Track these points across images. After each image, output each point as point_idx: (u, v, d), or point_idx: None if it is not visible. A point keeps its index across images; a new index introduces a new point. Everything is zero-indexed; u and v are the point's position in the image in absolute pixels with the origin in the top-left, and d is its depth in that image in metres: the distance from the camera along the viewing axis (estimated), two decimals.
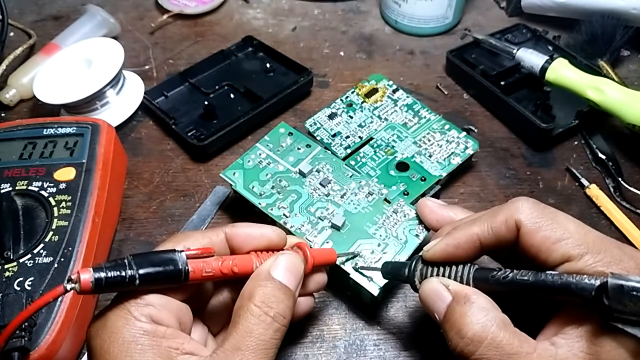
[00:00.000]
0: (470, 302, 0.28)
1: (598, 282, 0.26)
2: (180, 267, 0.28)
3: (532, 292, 0.28)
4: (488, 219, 0.30)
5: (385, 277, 0.35)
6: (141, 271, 0.27)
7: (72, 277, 0.26)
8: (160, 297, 0.28)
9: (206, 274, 0.29)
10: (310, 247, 0.33)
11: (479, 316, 0.28)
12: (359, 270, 0.37)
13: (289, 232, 0.39)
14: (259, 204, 0.41)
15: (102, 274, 0.26)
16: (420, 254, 0.33)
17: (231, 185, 0.42)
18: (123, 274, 0.27)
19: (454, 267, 0.31)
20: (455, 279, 0.30)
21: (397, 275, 0.34)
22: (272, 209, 0.40)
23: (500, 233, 0.30)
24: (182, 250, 0.29)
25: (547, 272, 0.28)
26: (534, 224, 0.29)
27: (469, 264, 0.31)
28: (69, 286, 0.26)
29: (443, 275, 0.31)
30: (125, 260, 0.27)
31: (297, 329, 0.38)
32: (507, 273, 0.29)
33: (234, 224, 0.33)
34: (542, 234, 0.28)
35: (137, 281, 0.27)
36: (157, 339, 0.27)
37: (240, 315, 0.28)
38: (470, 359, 0.27)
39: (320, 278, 0.35)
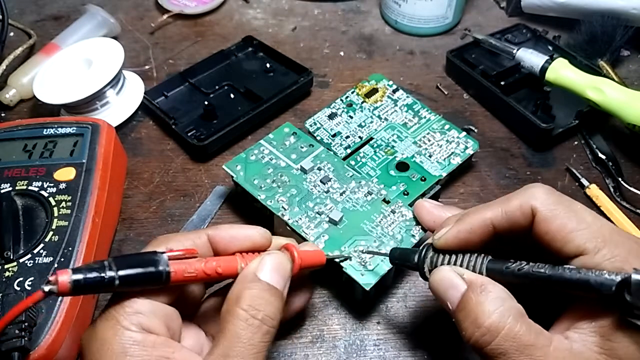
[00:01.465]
0: (487, 291, 0.28)
1: (619, 278, 0.25)
2: (161, 268, 0.28)
3: (548, 286, 0.27)
4: (502, 204, 0.30)
5: (393, 262, 0.34)
6: (120, 272, 0.27)
7: (51, 279, 0.26)
8: (149, 304, 0.28)
9: (188, 275, 0.29)
10: (298, 249, 0.33)
11: (496, 305, 0.27)
12: (365, 253, 0.36)
13: (286, 224, 0.39)
14: (259, 195, 0.41)
15: (81, 276, 0.26)
16: (429, 241, 0.32)
17: (232, 177, 0.42)
18: (102, 275, 0.26)
19: (467, 256, 0.30)
20: (467, 269, 0.30)
21: (405, 262, 0.33)
22: (271, 202, 0.40)
23: (514, 218, 0.29)
24: (164, 252, 0.29)
25: (565, 266, 0.27)
26: (550, 211, 0.28)
27: (482, 255, 0.30)
28: (47, 288, 0.25)
29: (455, 264, 0.30)
30: (105, 262, 0.27)
31: (297, 328, 0.38)
32: (522, 265, 0.28)
33: (217, 226, 0.32)
34: (558, 222, 0.28)
35: (117, 282, 0.27)
36: (147, 349, 0.27)
37: (227, 321, 0.28)
38: (485, 350, 0.27)
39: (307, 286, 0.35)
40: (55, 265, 0.36)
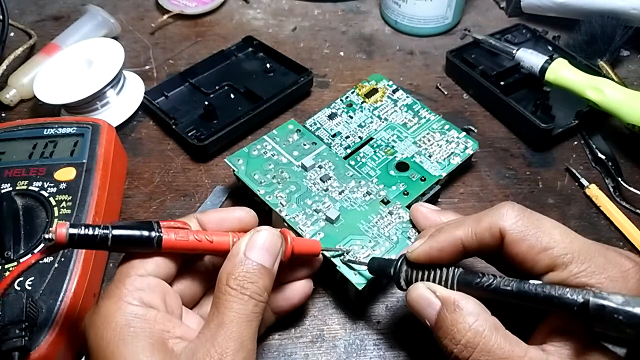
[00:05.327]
0: (459, 308, 0.29)
1: (581, 299, 0.26)
2: (154, 233, 0.30)
3: (515, 302, 0.28)
4: (473, 224, 0.30)
5: (372, 272, 0.35)
6: (115, 232, 0.29)
7: (51, 229, 0.27)
8: (149, 281, 0.30)
9: (180, 239, 0.30)
10: (292, 235, 0.33)
11: (470, 321, 0.28)
12: (347, 263, 0.37)
13: (283, 221, 0.39)
14: (258, 190, 0.41)
15: (76, 230, 0.28)
16: (404, 252, 0.33)
17: (233, 171, 0.43)
18: (97, 232, 0.28)
19: (438, 271, 0.31)
20: (440, 283, 0.31)
21: (382, 273, 0.34)
22: (269, 197, 0.40)
23: (483, 239, 0.30)
24: (158, 222, 0.30)
25: (531, 281, 0.28)
26: (518, 232, 0.29)
27: (453, 268, 0.31)
28: (47, 236, 0.27)
29: (428, 279, 0.31)
30: (103, 224, 0.29)
31: (297, 328, 0.38)
32: (490, 280, 0.29)
33: (205, 211, 0.34)
34: (527, 243, 0.28)
35: (110, 240, 0.29)
36: (149, 322, 0.28)
37: (218, 297, 0.29)
38: None
39: (313, 264, 0.36)
40: (56, 265, 0.36)
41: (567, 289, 0.26)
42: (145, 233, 0.30)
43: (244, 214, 0.34)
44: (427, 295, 0.30)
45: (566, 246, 0.28)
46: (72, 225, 0.28)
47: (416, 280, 0.32)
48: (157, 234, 0.30)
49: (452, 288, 0.30)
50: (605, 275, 0.27)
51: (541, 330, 0.29)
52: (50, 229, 0.28)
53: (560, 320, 0.28)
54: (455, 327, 0.28)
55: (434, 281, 0.31)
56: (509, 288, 0.28)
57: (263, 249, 0.31)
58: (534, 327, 0.30)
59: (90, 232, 0.28)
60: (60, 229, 0.28)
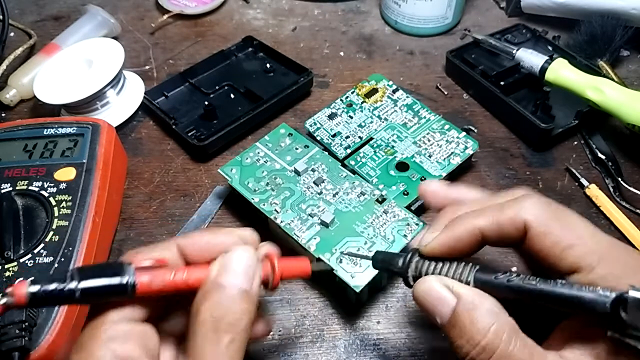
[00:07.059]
0: (478, 307, 0.26)
1: (614, 295, 0.24)
2: (126, 279, 0.26)
3: (539, 301, 0.26)
4: (494, 213, 0.28)
5: (376, 266, 0.33)
6: (82, 285, 0.25)
7: (8, 291, 0.24)
8: (122, 327, 0.26)
9: (156, 286, 0.27)
10: (280, 257, 0.30)
11: (490, 321, 0.26)
12: (347, 255, 0.36)
13: (278, 228, 0.39)
14: (252, 199, 0.41)
15: (38, 287, 0.25)
16: (416, 246, 0.30)
17: (227, 181, 0.43)
18: (62, 287, 0.25)
19: (454, 265, 0.28)
20: (454, 278, 0.28)
21: (389, 266, 0.31)
22: (264, 205, 0.41)
23: (506, 230, 0.28)
24: (131, 263, 0.27)
25: (558, 280, 0.26)
26: (544, 226, 0.27)
27: (470, 263, 0.28)
28: (3, 300, 0.25)
29: (440, 273, 0.29)
30: (68, 273, 0.26)
31: (297, 328, 0.38)
32: (512, 277, 0.26)
33: (189, 234, 0.30)
34: (552, 239, 0.26)
35: (78, 294, 0.25)
36: None
37: (189, 339, 0.26)
38: None
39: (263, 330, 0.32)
40: (56, 265, 0.36)
41: (599, 288, 0.24)
42: (116, 281, 0.26)
43: (231, 244, 0.29)
44: (440, 290, 0.28)
45: (592, 245, 0.26)
46: (32, 282, 0.25)
47: (427, 275, 0.29)
48: (131, 279, 0.26)
49: (467, 284, 0.28)
50: (637, 278, 0.25)
51: (558, 334, 0.27)
52: (8, 289, 0.25)
53: (579, 324, 0.27)
54: (474, 327, 0.26)
55: (446, 276, 0.28)
56: (533, 284, 0.26)
57: (236, 271, 0.27)
58: (547, 330, 0.28)
59: (55, 287, 0.25)
60: (19, 289, 0.24)
